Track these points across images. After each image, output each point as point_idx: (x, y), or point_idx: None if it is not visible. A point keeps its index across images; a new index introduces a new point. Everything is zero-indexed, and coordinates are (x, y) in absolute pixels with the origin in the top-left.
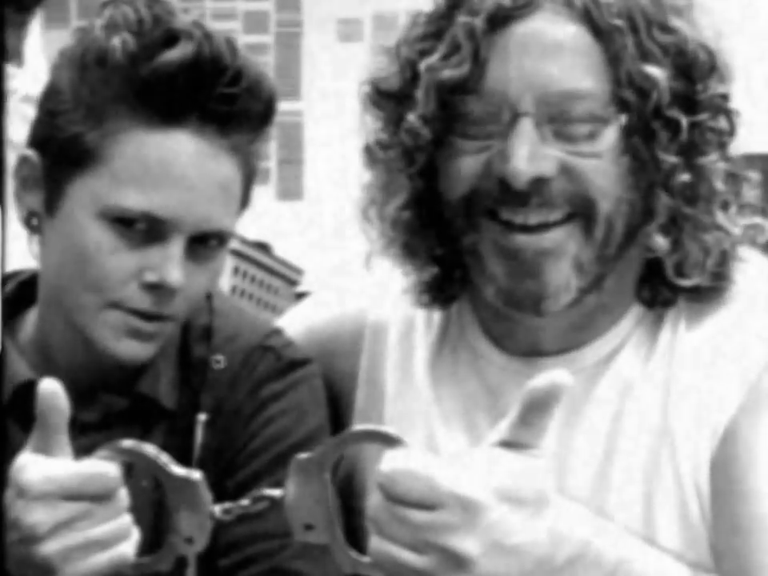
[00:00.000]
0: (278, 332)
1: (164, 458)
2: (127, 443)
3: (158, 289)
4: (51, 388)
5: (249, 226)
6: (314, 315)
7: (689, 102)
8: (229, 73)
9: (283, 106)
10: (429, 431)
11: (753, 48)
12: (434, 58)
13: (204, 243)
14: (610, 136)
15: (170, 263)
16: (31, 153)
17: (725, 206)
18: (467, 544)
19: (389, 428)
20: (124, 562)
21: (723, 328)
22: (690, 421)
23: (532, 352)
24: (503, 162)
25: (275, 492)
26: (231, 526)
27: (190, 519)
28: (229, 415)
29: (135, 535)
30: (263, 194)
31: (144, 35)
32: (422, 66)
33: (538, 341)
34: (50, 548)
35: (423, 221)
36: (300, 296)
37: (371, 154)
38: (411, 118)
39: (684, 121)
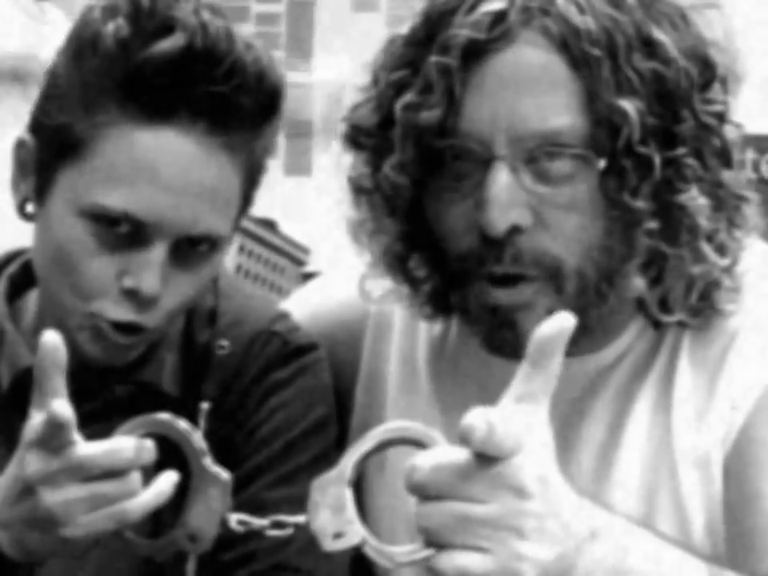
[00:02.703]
0: (284, 316)
1: (201, 444)
2: (165, 417)
3: (135, 295)
4: (52, 340)
5: (255, 202)
6: (319, 300)
7: (667, 134)
8: (222, 67)
9: (294, 77)
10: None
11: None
12: (408, 97)
13: (193, 247)
14: (589, 178)
15: (148, 269)
16: (28, 137)
17: (711, 237)
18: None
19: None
20: (128, 519)
21: (729, 337)
22: (692, 432)
23: None
24: (480, 211)
25: (299, 518)
26: None
27: (202, 517)
28: (234, 403)
29: (148, 494)
30: (270, 169)
31: (139, 22)
32: (398, 106)
33: None
34: (51, 498)
35: (414, 250)
36: (307, 276)
37: (355, 187)
38: (386, 169)
39: (657, 158)
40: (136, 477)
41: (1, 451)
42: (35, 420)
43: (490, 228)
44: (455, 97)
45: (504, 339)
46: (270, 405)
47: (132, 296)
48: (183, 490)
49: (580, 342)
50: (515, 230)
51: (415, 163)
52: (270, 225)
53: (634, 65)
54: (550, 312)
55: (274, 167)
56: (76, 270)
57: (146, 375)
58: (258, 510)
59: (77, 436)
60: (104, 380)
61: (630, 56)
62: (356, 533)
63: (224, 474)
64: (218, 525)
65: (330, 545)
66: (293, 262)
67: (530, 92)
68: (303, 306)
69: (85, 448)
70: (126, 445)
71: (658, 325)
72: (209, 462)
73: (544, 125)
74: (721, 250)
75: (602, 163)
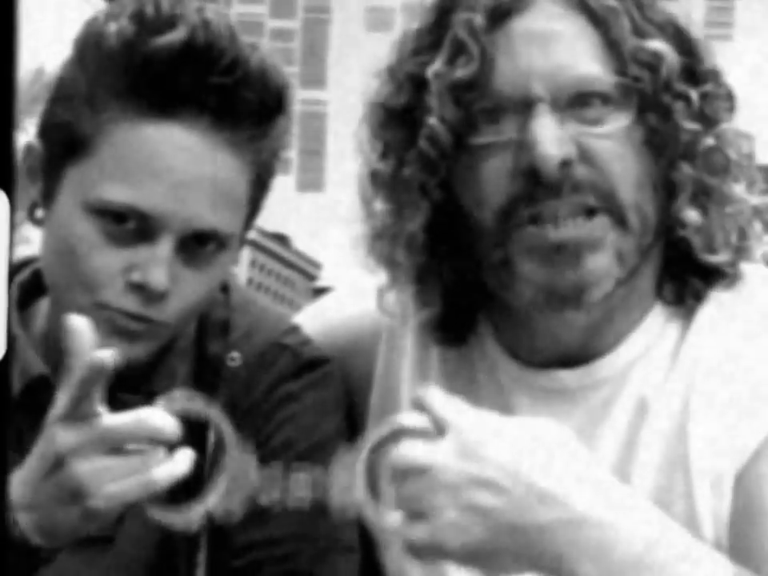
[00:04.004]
0: (295, 329)
1: (225, 424)
2: (199, 403)
3: (143, 290)
4: (77, 321)
5: (267, 218)
6: (333, 313)
7: (691, 75)
8: (224, 61)
9: (307, 94)
10: None
11: None
12: (438, 65)
13: (202, 245)
14: (623, 118)
15: (155, 263)
16: (35, 142)
17: (736, 179)
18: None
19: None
20: (156, 488)
21: (747, 342)
22: (709, 443)
23: (548, 363)
24: (529, 151)
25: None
26: (245, 528)
27: (230, 493)
28: (244, 415)
29: (173, 464)
30: (283, 185)
31: (142, 21)
32: (429, 74)
33: (555, 349)
34: (80, 468)
35: (439, 244)
36: (318, 291)
37: (379, 179)
38: (432, 121)
39: (693, 92)
40: (161, 448)
41: (13, 457)
42: (61, 397)
43: (544, 163)
44: (486, 56)
45: (567, 282)
46: (280, 417)
47: (140, 291)
48: (199, 476)
49: (600, 337)
50: (567, 165)
51: (453, 120)
52: (282, 239)
53: (649, 17)
54: (618, 253)
55: (287, 183)
56: (82, 264)
57: (156, 386)
58: (266, 520)
59: (101, 408)
60: (114, 390)
61: (644, 11)
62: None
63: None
64: (244, 503)
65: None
66: (305, 277)
67: (558, 43)
68: (316, 320)
69: (112, 418)
70: (153, 415)
71: (679, 301)
72: (235, 448)
73: (578, 71)
74: (746, 192)
75: (635, 100)
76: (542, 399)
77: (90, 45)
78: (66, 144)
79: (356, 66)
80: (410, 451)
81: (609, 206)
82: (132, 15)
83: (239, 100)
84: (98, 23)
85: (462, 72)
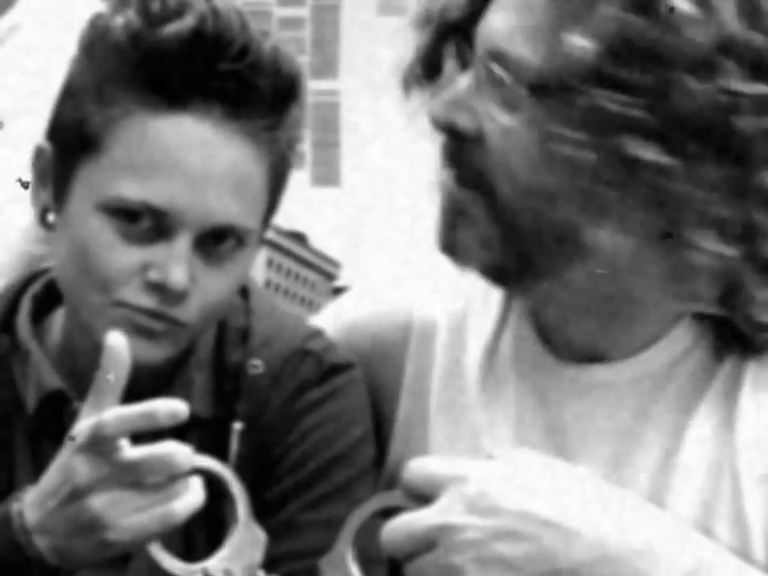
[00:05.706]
0: (318, 334)
1: (243, 496)
2: (211, 463)
3: (162, 289)
4: (117, 340)
5: (282, 215)
6: (355, 313)
7: None
8: (234, 47)
9: (319, 84)
10: (475, 441)
11: None
12: None
13: (220, 242)
14: None
15: (174, 261)
16: (46, 144)
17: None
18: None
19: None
20: (174, 521)
21: None
22: (758, 443)
23: (588, 359)
24: None
25: None
26: (277, 540)
27: (238, 559)
28: (266, 424)
29: (191, 495)
30: (297, 180)
31: (149, 12)
32: None
33: (585, 345)
34: (98, 501)
35: None
36: (338, 291)
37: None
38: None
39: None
40: (180, 480)
41: (27, 471)
42: (85, 423)
43: None
44: None
45: None
46: (304, 425)
47: (159, 290)
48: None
49: (634, 335)
50: None
51: None
52: (299, 238)
53: None
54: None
55: (301, 178)
56: (98, 263)
57: (175, 395)
58: (291, 532)
59: (123, 441)
60: (132, 400)
61: None
62: None
63: (261, 534)
64: (246, 572)
65: None
66: (324, 277)
67: None
68: (341, 320)
69: (133, 452)
70: (172, 450)
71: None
72: (247, 518)
73: None
74: None
75: None
76: (580, 395)
77: (96, 40)
78: (76, 143)
79: (369, 52)
80: (414, 519)
81: None
82: (138, 7)
83: (251, 87)
84: (103, 18)
85: None
